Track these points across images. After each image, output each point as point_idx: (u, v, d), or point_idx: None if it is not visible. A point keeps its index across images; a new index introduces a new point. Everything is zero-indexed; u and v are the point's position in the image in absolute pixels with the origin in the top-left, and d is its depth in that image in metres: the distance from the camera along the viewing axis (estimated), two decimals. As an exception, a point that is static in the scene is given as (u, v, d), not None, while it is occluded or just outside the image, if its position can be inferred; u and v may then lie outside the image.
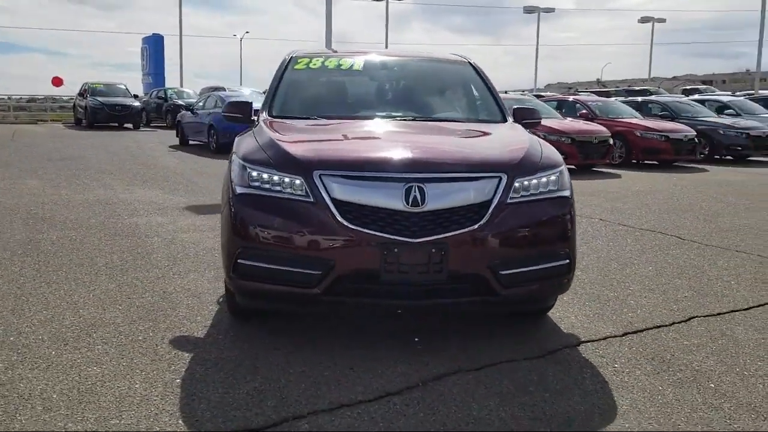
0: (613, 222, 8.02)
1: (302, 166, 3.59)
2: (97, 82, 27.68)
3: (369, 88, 5.19)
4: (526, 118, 4.95)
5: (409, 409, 3.10)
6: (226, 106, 4.99)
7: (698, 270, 5.74)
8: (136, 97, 28.56)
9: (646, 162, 15.43)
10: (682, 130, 15.23)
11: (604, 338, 4.07)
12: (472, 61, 5.47)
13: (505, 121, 4.82)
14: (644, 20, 52.32)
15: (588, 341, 4.01)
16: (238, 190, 3.70)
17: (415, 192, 3.44)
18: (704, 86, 52.43)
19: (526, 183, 3.68)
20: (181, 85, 37.18)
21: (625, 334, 4.15)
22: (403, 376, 3.46)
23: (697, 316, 4.49)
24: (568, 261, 3.80)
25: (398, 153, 3.66)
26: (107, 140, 20.08)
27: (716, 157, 16.59)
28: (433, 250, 3.43)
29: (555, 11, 48.15)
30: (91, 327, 4.10)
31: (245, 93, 24.41)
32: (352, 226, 3.43)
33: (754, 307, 4.74)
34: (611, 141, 13.90)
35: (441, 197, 3.47)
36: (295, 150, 3.73)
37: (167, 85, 37.29)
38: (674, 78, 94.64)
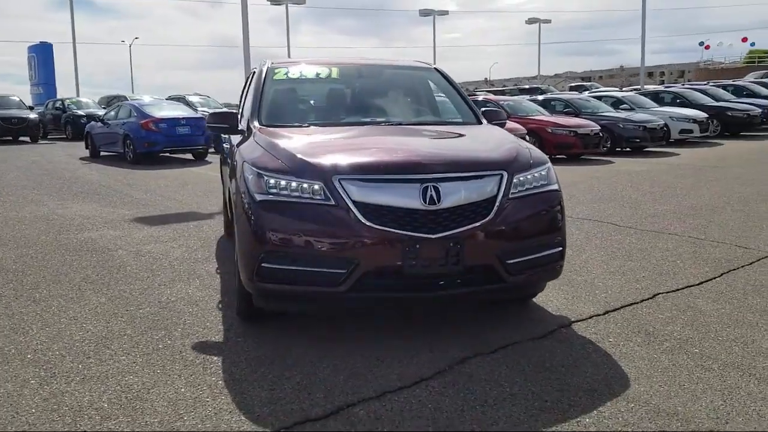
0: (551, 213, 8.54)
1: (321, 172, 3.79)
2: (-13, 95, 26.18)
3: (350, 95, 5.41)
4: (494, 119, 5.33)
5: (448, 391, 3.37)
6: (209, 116, 5.09)
7: (644, 252, 6.31)
8: (31, 108, 27.18)
9: (557, 156, 16.30)
10: (588, 125, 16.21)
11: (590, 317, 4.48)
12: (438, 67, 5.80)
13: (480, 122, 5.18)
14: (531, 21, 54.69)
15: (577, 321, 4.42)
16: (258, 197, 3.86)
17: (431, 191, 3.72)
18: (590, 83, 55.43)
19: (522, 179, 4.03)
20: (77, 95, 35.69)
21: (606, 312, 4.59)
22: (429, 362, 3.73)
23: (660, 293, 5.00)
24: (561, 248, 4.19)
25: (411, 155, 3.94)
26: (8, 155, 19.11)
27: (617, 149, 17.72)
28: (451, 244, 3.72)
29: (448, 14, 49.49)
30: (105, 339, 4.13)
31: (146, 100, 23.83)
32: (374, 226, 3.67)
33: (704, 282, 5.30)
34: (527, 138, 14.64)
35: (453, 195, 3.76)
36: (312, 157, 3.92)
37: (59, 95, 35.75)
38: (556, 75, 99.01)
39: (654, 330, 4.23)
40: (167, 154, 17.17)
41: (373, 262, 3.71)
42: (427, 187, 3.72)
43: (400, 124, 4.97)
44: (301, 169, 3.86)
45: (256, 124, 4.77)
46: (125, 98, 27.78)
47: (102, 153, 18.27)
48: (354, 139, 4.52)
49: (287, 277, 3.81)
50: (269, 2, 37.35)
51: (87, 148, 18.77)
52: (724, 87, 26.72)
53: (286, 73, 5.30)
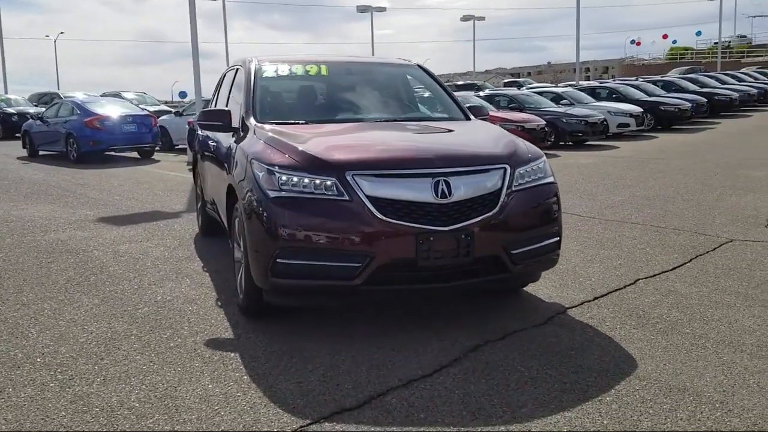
0: (515, 206, 8.80)
1: (335, 168, 3.86)
2: None
3: (341, 92, 5.47)
4: (479, 115, 5.49)
5: (470, 377, 3.51)
6: (202, 114, 5.08)
7: (614, 241, 6.60)
8: (-43, 107, 25.98)
9: (504, 151, 16.67)
10: (534, 120, 16.66)
11: (582, 303, 4.70)
12: (421, 64, 5.93)
13: (469, 118, 5.32)
14: (466, 18, 55.39)
15: (571, 307, 4.62)
16: (271, 194, 3.89)
17: (442, 185, 3.84)
18: (523, 79, 56.73)
19: (522, 172, 4.20)
20: (6, 92, 34.27)
21: (595, 298, 4.81)
22: (442, 351, 3.85)
23: (640, 279, 5.26)
24: (558, 239, 4.38)
25: (421, 151, 4.05)
26: (-62, 155, 18.28)
27: (561, 143, 18.26)
28: (462, 236, 3.85)
29: (386, 10, 49.73)
30: (112, 340, 4.10)
31: (80, 97, 23.13)
32: (389, 219, 3.77)
33: (677, 267, 5.60)
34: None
35: (463, 189, 3.90)
36: (324, 153, 3.99)
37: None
38: (486, 71, 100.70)
39: (644, 313, 4.47)
40: (112, 153, 16.75)
41: (388, 255, 3.81)
42: (438, 181, 3.84)
43: (395, 120, 5.07)
44: (313, 165, 3.92)
45: (252, 121, 4.78)
46: (58, 95, 26.97)
47: (41, 152, 17.68)
48: (358, 135, 4.60)
49: (302, 272, 3.87)
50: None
51: (24, 147, 18.13)
52: (654, 82, 27.83)
53: (275, 71, 5.32)
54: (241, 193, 4.22)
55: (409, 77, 5.86)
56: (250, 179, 4.09)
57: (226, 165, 4.92)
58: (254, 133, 4.55)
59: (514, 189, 4.09)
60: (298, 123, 4.80)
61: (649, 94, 24.08)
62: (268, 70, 5.31)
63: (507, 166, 4.12)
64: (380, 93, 5.57)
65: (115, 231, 7.49)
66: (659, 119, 22.34)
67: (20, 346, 4.03)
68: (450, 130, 4.88)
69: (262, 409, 3.19)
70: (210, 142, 5.76)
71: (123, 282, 5.37)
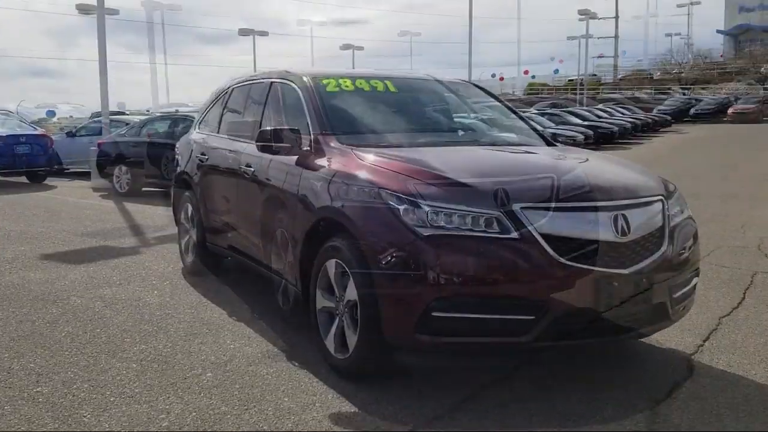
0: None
1: (500, 201, 3.20)
2: None
3: (417, 111, 4.78)
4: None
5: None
6: (260, 135, 4.23)
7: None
8: None
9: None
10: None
11: (698, 349, 4.23)
12: (475, 83, 5.38)
13: (551, 144, 4.80)
14: (402, 34, 56.10)
15: (693, 353, 4.14)
16: (422, 232, 3.16)
17: (621, 220, 3.29)
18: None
19: (671, 203, 3.73)
20: None
21: (704, 341, 4.38)
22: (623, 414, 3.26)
23: (723, 316, 4.92)
24: (698, 277, 3.92)
25: (596, 180, 3.48)
26: None
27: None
28: (644, 280, 3.31)
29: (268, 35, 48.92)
30: (204, 422, 3.18)
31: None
32: (567, 262, 3.16)
33: (740, 303, 5.26)
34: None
35: (638, 224, 3.38)
36: (480, 183, 3.33)
37: None
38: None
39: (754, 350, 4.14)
40: (-2, 177, 14.77)
41: (565, 303, 3.18)
42: (617, 215, 3.29)
43: (493, 144, 4.48)
44: (469, 196, 3.24)
45: (335, 143, 4.00)
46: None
47: None
48: (490, 160, 3.96)
49: (460, 328, 3.16)
50: (78, 12, 33.75)
51: None
52: (541, 115, 29.00)
53: (337, 86, 4.53)
54: (363, 229, 3.39)
55: (468, 95, 5.26)
56: (381, 213, 3.31)
57: (298, 195, 4.03)
58: (356, 157, 3.77)
59: (672, 223, 3.62)
60: (392, 146, 4.06)
61: (543, 127, 24.87)
62: (330, 86, 4.51)
63: (662, 197, 3.64)
64: (456, 113, 4.95)
65: (78, 271, 6.25)
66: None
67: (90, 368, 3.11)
68: (580, 156, 4.29)
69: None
70: (248, 168, 4.71)
71: (148, 339, 4.33)
